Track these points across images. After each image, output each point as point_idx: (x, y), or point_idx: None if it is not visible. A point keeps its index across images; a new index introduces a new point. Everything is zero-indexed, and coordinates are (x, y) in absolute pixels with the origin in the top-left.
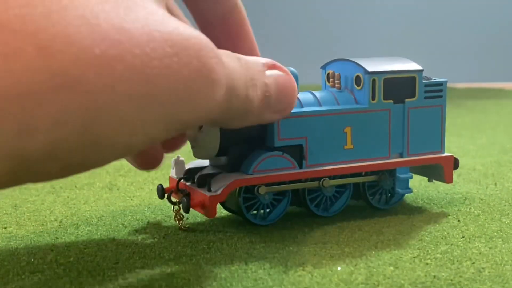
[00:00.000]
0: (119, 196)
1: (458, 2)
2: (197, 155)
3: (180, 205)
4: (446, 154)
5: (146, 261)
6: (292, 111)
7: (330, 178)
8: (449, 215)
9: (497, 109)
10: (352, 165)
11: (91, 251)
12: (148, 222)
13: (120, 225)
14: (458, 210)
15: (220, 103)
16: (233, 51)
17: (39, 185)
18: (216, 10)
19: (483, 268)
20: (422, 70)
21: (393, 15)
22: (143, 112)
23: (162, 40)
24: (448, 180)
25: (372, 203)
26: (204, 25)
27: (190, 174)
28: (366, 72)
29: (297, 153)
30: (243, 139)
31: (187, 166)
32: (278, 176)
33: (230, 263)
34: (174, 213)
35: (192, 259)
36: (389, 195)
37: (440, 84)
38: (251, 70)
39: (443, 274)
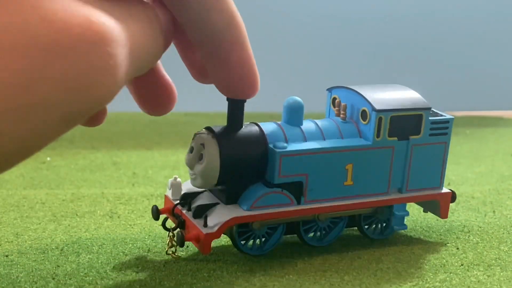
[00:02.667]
0: (120, 224)
1: (456, 31)
2: (196, 184)
3: (175, 234)
4: (444, 190)
5: None
6: (294, 148)
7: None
8: (447, 243)
9: (495, 137)
10: (349, 202)
11: (91, 279)
12: (148, 250)
13: (121, 253)
14: (456, 238)
15: (122, 78)
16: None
17: (41, 213)
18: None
19: None
20: (430, 108)
21: (393, 43)
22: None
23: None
24: (443, 215)
25: (367, 233)
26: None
27: (186, 198)
28: (373, 109)
29: (296, 189)
30: (243, 171)
31: (183, 188)
32: (276, 214)
33: None
34: (168, 239)
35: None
36: (384, 225)
37: (446, 121)
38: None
39: None
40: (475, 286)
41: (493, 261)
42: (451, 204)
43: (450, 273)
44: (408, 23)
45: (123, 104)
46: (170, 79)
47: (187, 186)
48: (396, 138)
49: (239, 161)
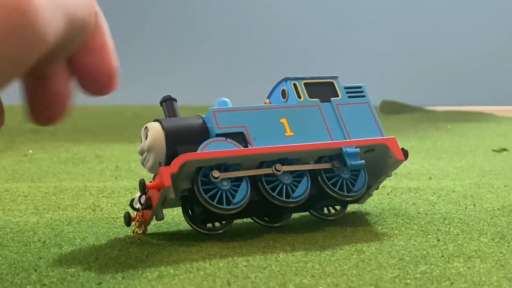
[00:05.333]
0: (103, 218)
1: (437, 27)
2: (150, 165)
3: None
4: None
5: (129, 281)
6: (227, 107)
7: (284, 164)
8: (428, 235)
9: (476, 132)
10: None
11: (74, 271)
12: (131, 243)
13: (104, 246)
14: (437, 229)
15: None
16: None
17: (23, 206)
18: None
19: None
20: (337, 77)
21: (374, 38)
22: None
23: None
24: (399, 156)
25: (337, 191)
26: None
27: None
28: (287, 79)
29: (241, 139)
30: (186, 139)
31: None
32: (225, 153)
33: (213, 283)
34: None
35: (174, 279)
36: (351, 185)
37: (359, 87)
38: None
39: None
40: (455, 278)
41: (473, 252)
42: (432, 198)
43: (431, 264)
44: (395, 17)
45: (106, 97)
46: (67, 91)
47: None
48: (318, 99)
49: (181, 130)
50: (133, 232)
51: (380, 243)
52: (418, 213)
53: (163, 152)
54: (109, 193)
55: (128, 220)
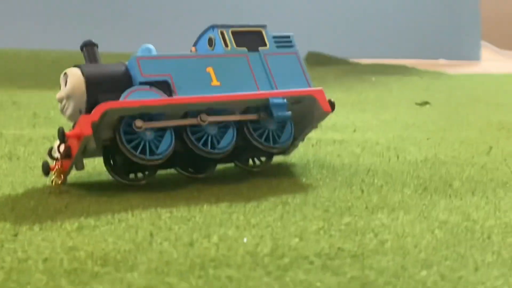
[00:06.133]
0: (19, 166)
1: None
2: (69, 112)
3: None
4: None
5: (47, 232)
6: (151, 55)
7: (209, 115)
8: (353, 186)
9: (399, 85)
10: (222, 94)
11: None
12: (49, 192)
13: (20, 196)
14: (362, 181)
15: None
16: None
17: None
18: None
19: (385, 240)
20: (265, 25)
21: None
22: None
23: None
24: (326, 108)
25: (263, 142)
26: None
27: None
28: (214, 27)
29: (165, 88)
30: (108, 85)
31: None
32: (148, 101)
33: (135, 234)
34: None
35: (95, 230)
36: (277, 136)
37: (287, 36)
38: None
39: (347, 245)
40: (379, 229)
41: (397, 204)
42: (356, 150)
43: (355, 216)
44: None
45: (23, 39)
46: None
47: None
48: (245, 49)
49: (103, 77)
50: (52, 182)
51: (305, 194)
52: (343, 165)
53: (84, 100)
54: (27, 141)
55: (46, 169)
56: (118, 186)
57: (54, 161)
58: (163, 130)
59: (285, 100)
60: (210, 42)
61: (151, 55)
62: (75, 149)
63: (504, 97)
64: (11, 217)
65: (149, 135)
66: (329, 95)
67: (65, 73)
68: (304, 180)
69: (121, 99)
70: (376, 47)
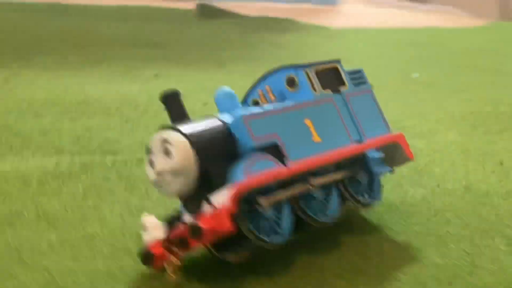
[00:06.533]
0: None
1: None
2: (173, 188)
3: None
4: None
5: None
6: (254, 111)
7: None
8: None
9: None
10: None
11: None
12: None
13: None
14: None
15: None
16: None
17: None
18: None
19: None
20: (339, 60)
21: None
22: None
23: None
24: (410, 155)
25: (361, 200)
26: None
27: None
28: (297, 67)
29: (276, 152)
30: (218, 154)
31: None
32: (275, 175)
33: None
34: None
35: None
36: (368, 186)
37: (359, 71)
38: None
39: None
40: None
41: None
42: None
43: None
44: None
45: None
46: None
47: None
48: (330, 91)
49: (210, 143)
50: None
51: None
52: (415, 205)
53: (193, 175)
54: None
55: (148, 259)
56: (222, 271)
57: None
58: (278, 203)
59: (382, 154)
60: (291, 83)
61: (251, 110)
62: (198, 244)
63: (423, 71)
64: None
65: (270, 212)
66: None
67: (165, 140)
68: (385, 234)
69: (241, 173)
70: None
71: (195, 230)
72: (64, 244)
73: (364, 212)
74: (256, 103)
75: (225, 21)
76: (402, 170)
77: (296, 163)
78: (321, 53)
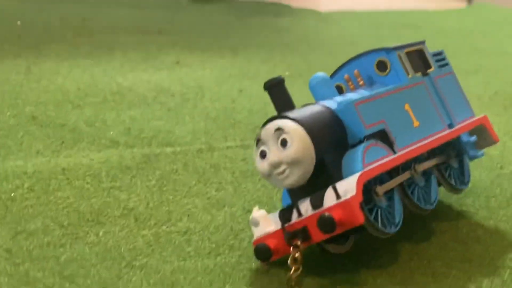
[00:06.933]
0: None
1: None
2: (291, 180)
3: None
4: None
5: None
6: (361, 95)
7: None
8: None
9: (304, 35)
10: (433, 138)
11: None
12: None
13: None
14: None
15: None
16: None
17: None
18: None
19: None
20: (424, 41)
21: None
22: None
23: None
24: (495, 138)
25: (456, 185)
26: None
27: (284, 215)
28: (389, 50)
29: (384, 140)
30: (331, 143)
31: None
32: (392, 162)
33: None
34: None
35: None
36: (459, 171)
37: (441, 53)
38: None
39: None
40: None
41: None
42: None
43: None
44: None
45: None
46: None
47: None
48: (420, 74)
49: (323, 131)
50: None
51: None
52: (483, 188)
53: (312, 165)
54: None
55: (267, 255)
56: (333, 265)
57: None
58: (390, 192)
59: (475, 138)
60: (382, 66)
61: (357, 96)
62: (324, 236)
63: None
64: None
65: (384, 202)
66: (260, 54)
67: (279, 129)
68: (473, 219)
69: (359, 161)
70: None
71: (327, 222)
72: (160, 241)
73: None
74: (339, 88)
75: (219, 6)
76: None
77: (403, 150)
78: (324, 38)
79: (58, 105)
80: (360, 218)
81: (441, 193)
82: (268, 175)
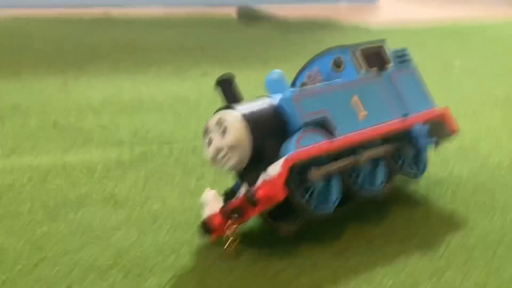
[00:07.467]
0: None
1: None
2: (231, 163)
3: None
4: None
5: None
6: (304, 90)
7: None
8: (489, 211)
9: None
10: (378, 128)
11: None
12: (221, 257)
13: (196, 265)
14: (483, 203)
15: None
16: None
17: None
18: None
19: None
20: (384, 40)
21: None
22: None
23: None
24: (454, 128)
25: (410, 172)
26: None
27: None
28: (343, 49)
29: (325, 127)
30: (272, 131)
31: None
32: (325, 147)
33: None
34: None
35: None
36: (414, 160)
37: (404, 50)
38: None
39: None
40: None
41: None
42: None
43: None
44: None
45: None
46: None
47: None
48: (375, 70)
49: (263, 120)
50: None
51: (464, 231)
52: (443, 178)
53: (248, 150)
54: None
55: (208, 229)
56: (276, 239)
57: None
58: (328, 175)
59: (427, 126)
60: (338, 64)
61: (300, 89)
62: (255, 212)
63: (466, 61)
64: None
65: (320, 184)
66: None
67: (220, 118)
68: (432, 205)
69: (293, 146)
70: None
71: (251, 198)
72: (130, 221)
73: (413, 185)
74: (304, 86)
75: (265, 23)
76: (449, 148)
77: (344, 137)
78: None
79: (80, 113)
80: (281, 193)
81: (407, 181)
82: (213, 160)
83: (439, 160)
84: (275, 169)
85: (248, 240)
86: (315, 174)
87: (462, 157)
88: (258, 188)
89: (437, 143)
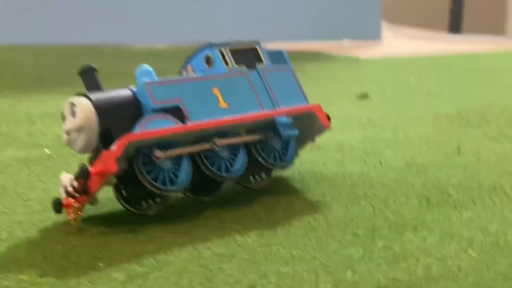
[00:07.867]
0: (12, 201)
1: None
2: (78, 145)
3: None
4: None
5: (101, 286)
6: (160, 80)
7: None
8: (360, 201)
9: (328, 76)
10: (233, 117)
11: (29, 278)
12: (69, 232)
13: (40, 239)
14: (365, 194)
15: None
16: None
17: None
18: None
19: (429, 265)
20: (259, 41)
21: None
22: None
23: None
24: (325, 123)
25: (272, 162)
26: None
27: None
28: (212, 46)
29: (177, 114)
30: (122, 115)
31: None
32: (169, 130)
33: (190, 281)
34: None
35: (147, 279)
36: (282, 154)
37: (280, 52)
38: None
39: (398, 275)
40: (417, 253)
41: (414, 221)
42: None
43: (386, 238)
44: None
45: None
46: None
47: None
48: (244, 66)
49: (113, 106)
50: (70, 220)
51: (322, 215)
52: (335, 175)
53: (95, 132)
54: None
55: (58, 207)
56: (133, 218)
57: (68, 198)
58: (179, 158)
59: (290, 119)
60: (208, 60)
61: (157, 79)
62: (96, 186)
63: (433, 84)
64: (49, 268)
65: (168, 164)
66: None
67: (72, 103)
68: (310, 196)
69: (138, 128)
70: (279, 30)
71: (83, 172)
72: None
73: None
74: None
75: None
76: (351, 152)
77: (193, 123)
78: (341, 78)
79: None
80: (112, 168)
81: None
82: (67, 142)
83: (335, 162)
84: (113, 147)
85: (101, 219)
86: (158, 154)
87: (359, 159)
88: (96, 164)
89: (312, 139)
